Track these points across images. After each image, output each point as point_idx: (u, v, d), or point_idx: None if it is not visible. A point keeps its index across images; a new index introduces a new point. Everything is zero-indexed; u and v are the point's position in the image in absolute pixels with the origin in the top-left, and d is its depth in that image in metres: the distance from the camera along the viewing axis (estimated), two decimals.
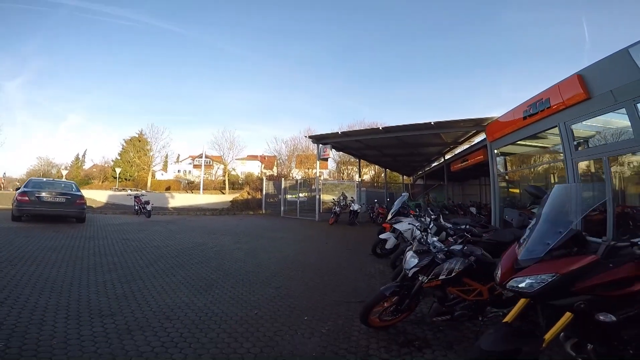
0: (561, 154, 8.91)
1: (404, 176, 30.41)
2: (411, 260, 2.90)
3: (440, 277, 2.69)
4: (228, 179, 34.62)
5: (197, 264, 5.39)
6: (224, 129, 49.27)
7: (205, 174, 42.48)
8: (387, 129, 12.96)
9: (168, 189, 36.24)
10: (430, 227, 3.77)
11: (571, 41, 69.49)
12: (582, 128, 7.49)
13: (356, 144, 16.12)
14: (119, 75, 68.20)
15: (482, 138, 14.21)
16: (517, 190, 12.04)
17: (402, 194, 6.38)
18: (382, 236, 6.30)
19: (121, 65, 68.36)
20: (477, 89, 71.35)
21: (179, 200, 24.57)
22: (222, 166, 35.53)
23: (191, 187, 38.50)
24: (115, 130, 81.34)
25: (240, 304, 3.55)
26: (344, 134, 14.31)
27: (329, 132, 15.08)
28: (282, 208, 17.72)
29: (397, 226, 6.04)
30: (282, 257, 6.16)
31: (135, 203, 15.35)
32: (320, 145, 15.68)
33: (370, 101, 71.48)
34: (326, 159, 17.10)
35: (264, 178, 22.40)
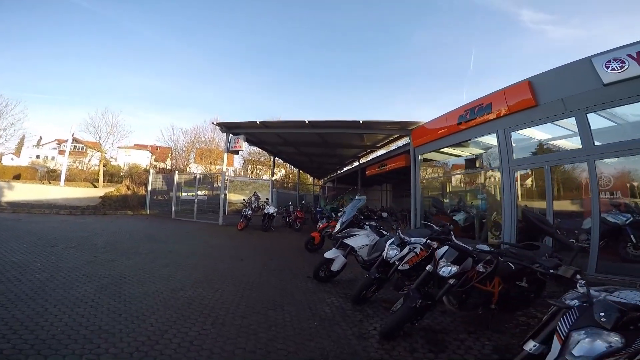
0: (493, 163, 9.00)
1: (314, 178, 29.73)
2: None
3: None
4: (106, 170, 27.61)
5: None
6: (105, 109, 40.10)
7: (75, 161, 33.38)
8: (314, 124, 11.39)
9: (18, 177, 26.73)
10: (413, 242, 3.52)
11: (458, 67, 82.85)
12: (519, 137, 7.39)
13: (274, 138, 14.10)
14: None
15: (402, 144, 14.19)
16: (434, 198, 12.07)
17: (357, 198, 4.77)
18: (328, 255, 4.51)
19: None
20: (376, 103, 77.89)
21: (22, 192, 17.59)
22: (98, 154, 28.08)
23: (52, 176, 29.42)
24: None
25: None
26: (263, 124, 12.11)
27: (244, 120, 12.62)
28: (173, 208, 14.18)
29: (349, 241, 4.34)
30: (169, 295, 3.70)
31: None
32: (231, 135, 13.05)
33: (285, 103, 70.20)
34: (237, 152, 14.45)
35: (151, 170, 17.95)
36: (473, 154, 10.48)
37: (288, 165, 35.70)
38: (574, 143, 6.68)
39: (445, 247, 2.86)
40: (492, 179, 9.96)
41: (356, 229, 4.40)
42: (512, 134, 7.23)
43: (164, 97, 65.20)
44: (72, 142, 33.19)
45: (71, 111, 59.34)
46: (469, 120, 8.22)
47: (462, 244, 2.82)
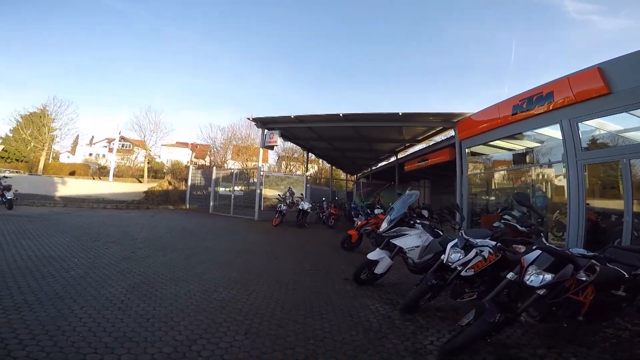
0: (553, 156, 8.01)
1: (347, 174, 29.21)
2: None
3: None
4: (150, 166, 29.25)
5: None
6: (148, 108, 42.57)
7: (123, 159, 35.83)
8: (348, 117, 10.92)
9: (72, 173, 29.33)
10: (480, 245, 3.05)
11: (497, 61, 77.45)
12: (586, 128, 6.43)
13: (308, 132, 13.83)
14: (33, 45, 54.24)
15: (444, 138, 13.28)
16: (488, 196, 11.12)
17: (408, 193, 4.25)
18: (372, 256, 4.09)
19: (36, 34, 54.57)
20: (409, 97, 75.02)
21: (73, 187, 19.07)
22: (143, 151, 29.77)
23: (103, 173, 31.82)
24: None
25: None
26: (297, 118, 11.86)
27: (279, 115, 12.48)
28: (211, 203, 14.48)
29: (398, 241, 3.87)
30: (202, 297, 3.50)
31: None
32: (266, 130, 12.98)
33: (318, 102, 70.11)
34: (272, 147, 14.38)
35: (191, 166, 18.54)
36: (527, 148, 9.46)
37: (320, 161, 35.56)
38: None
39: (537, 252, 2.37)
40: (547, 175, 8.99)
41: (406, 228, 3.92)
42: (580, 124, 6.31)
43: (203, 96, 67.93)
44: (119, 140, 35.70)
45: (120, 111, 64.06)
46: (526, 110, 7.34)
47: (558, 248, 2.32)
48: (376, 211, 8.35)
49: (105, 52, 61.30)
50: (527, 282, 2.27)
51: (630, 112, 5.66)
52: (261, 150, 13.76)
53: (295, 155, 35.02)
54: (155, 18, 63.57)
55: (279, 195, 12.32)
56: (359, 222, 6.94)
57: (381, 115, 10.70)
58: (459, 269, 3.09)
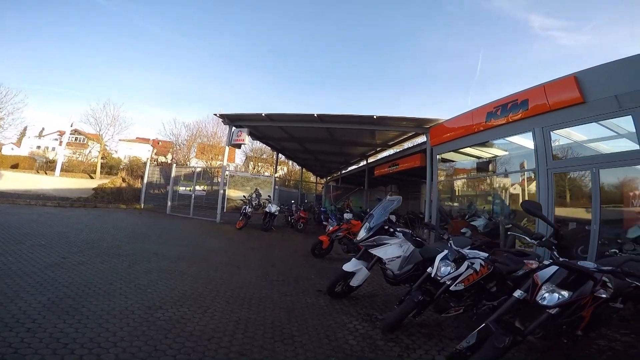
0: (527, 164, 8.12)
1: (317, 177, 28.84)
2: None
3: None
4: (106, 162, 26.83)
5: None
6: (107, 101, 39.30)
7: (75, 153, 32.61)
8: (323, 118, 10.50)
9: (15, 166, 25.99)
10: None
11: (464, 72, 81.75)
12: (555, 137, 6.54)
13: (279, 132, 13.21)
14: None
15: (415, 143, 13.32)
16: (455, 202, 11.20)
17: (389, 198, 3.82)
18: (348, 268, 3.61)
19: None
20: (379, 104, 76.86)
21: (11, 181, 16.79)
22: (98, 145, 27.22)
23: (50, 167, 28.60)
24: None
25: None
26: (269, 117, 11.21)
27: (249, 112, 11.72)
28: (169, 203, 13.30)
29: (377, 251, 3.44)
30: (142, 316, 2.84)
31: None
32: (234, 128, 12.19)
33: (289, 103, 69.25)
34: (239, 146, 13.53)
35: (148, 162, 17.04)
36: (495, 156, 9.65)
37: (290, 163, 34.90)
38: (615, 146, 5.97)
39: (553, 268, 2.08)
40: (508, 183, 9.26)
41: (386, 237, 3.50)
42: (551, 133, 6.39)
43: (170, 93, 64.27)
44: (73, 134, 32.46)
45: (76, 104, 58.46)
46: (500, 117, 7.36)
47: (576, 263, 2.01)
48: (346, 215, 7.99)
49: (65, 41, 55.85)
50: (541, 302, 1.97)
51: (600, 122, 5.80)
52: (227, 148, 12.89)
53: (264, 156, 34.04)
54: (124, 11, 59.19)
55: (244, 196, 11.54)
56: (331, 228, 6.48)
57: (356, 118, 10.40)
58: (448, 283, 2.74)
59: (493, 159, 10.17)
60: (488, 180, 10.78)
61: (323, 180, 28.12)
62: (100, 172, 25.46)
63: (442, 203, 10.49)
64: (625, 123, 5.58)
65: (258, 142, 24.16)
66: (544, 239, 2.36)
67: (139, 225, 8.74)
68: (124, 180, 20.22)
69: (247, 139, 12.33)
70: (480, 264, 2.81)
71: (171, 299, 3.29)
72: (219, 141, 29.79)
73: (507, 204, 9.38)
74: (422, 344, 2.76)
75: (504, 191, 10.20)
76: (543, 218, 2.49)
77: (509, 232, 6.43)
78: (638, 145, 5.05)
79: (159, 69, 64.10)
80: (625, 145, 5.86)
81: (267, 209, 10.58)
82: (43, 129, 46.50)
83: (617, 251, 5.76)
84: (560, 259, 2.08)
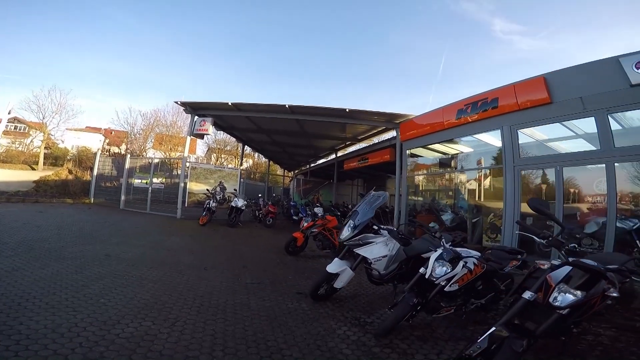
0: (493, 161, 8.43)
1: (285, 170, 28.33)
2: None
3: None
4: (50, 152, 24.05)
5: None
6: (53, 87, 35.17)
7: (15, 142, 28.88)
8: (295, 109, 10.10)
9: None
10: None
11: (427, 71, 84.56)
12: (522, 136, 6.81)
13: (246, 123, 12.56)
14: None
15: (384, 138, 13.41)
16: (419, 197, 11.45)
17: (374, 193, 3.59)
18: (331, 269, 3.37)
19: None
20: (342, 98, 77.32)
21: None
22: (41, 134, 24.25)
23: None
24: None
25: None
26: (235, 106, 10.55)
27: (214, 100, 10.96)
28: (122, 197, 12.15)
29: (363, 251, 3.23)
30: (95, 334, 2.40)
31: None
32: (197, 117, 11.35)
33: (259, 95, 66.92)
34: (202, 136, 12.68)
35: (99, 152, 15.41)
36: (462, 152, 9.98)
37: (256, 155, 33.92)
38: (573, 146, 6.37)
39: (567, 268, 2.00)
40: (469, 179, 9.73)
41: (371, 235, 3.30)
42: (519, 132, 6.64)
43: (126, 80, 58.57)
44: (12, 122, 28.62)
45: (17, 90, 51.12)
46: (470, 114, 7.52)
47: (590, 262, 1.94)
48: (316, 210, 7.78)
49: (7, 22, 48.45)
50: (553, 302, 1.91)
51: (562, 123, 6.12)
52: (189, 138, 11.99)
53: (228, 148, 32.67)
54: None
55: (207, 190, 10.84)
56: (305, 224, 6.21)
57: (328, 110, 10.13)
58: (442, 284, 2.62)
59: (455, 156, 10.57)
60: (447, 176, 11.23)
61: (291, 174, 27.68)
62: (44, 163, 22.84)
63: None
64: (584, 124, 5.95)
65: (222, 133, 23.13)
66: (551, 239, 2.29)
67: (88, 222, 7.80)
68: (70, 172, 18.28)
69: (210, 129, 11.57)
70: (474, 263, 2.74)
71: (131, 311, 2.83)
72: (179, 131, 28.03)
73: (466, 198, 9.84)
74: (418, 347, 2.62)
75: (463, 186, 10.69)
76: (551, 217, 2.48)
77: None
78: (599, 145, 5.40)
79: (114, 55, 58.37)
80: (583, 145, 6.29)
81: (233, 204, 10.04)
82: None
83: (576, 245, 6.18)
84: (571, 259, 2.02)
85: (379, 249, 3.20)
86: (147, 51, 61.20)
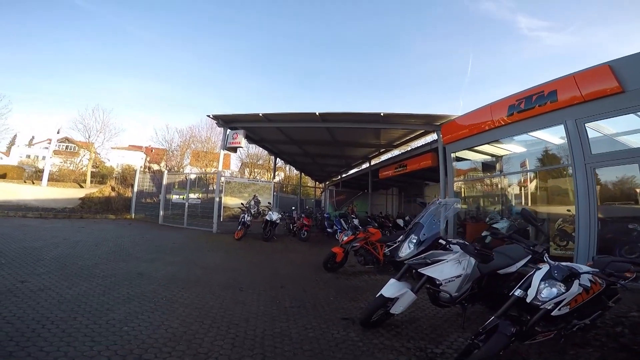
0: (560, 160, 7.44)
1: (315, 182, 28.02)
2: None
3: None
4: (98, 171, 25.80)
5: None
6: (96, 106, 38.17)
7: (66, 161, 31.49)
8: (325, 117, 9.74)
9: (3, 176, 24.83)
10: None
11: (454, 75, 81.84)
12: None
13: (277, 134, 12.41)
14: None
15: (422, 143, 12.63)
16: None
17: (442, 201, 2.99)
18: (387, 293, 2.78)
19: None
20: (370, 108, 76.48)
21: None
22: (92, 154, 26.13)
23: (39, 176, 27.37)
24: None
25: None
26: (266, 117, 10.41)
27: (245, 112, 10.92)
28: (161, 212, 12.37)
29: (431, 272, 2.64)
30: None
31: None
32: (229, 130, 11.35)
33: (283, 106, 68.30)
34: (235, 150, 12.67)
35: (138, 169, 16.01)
36: (512, 152, 9.00)
37: (287, 168, 34.06)
38: None
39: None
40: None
41: (440, 252, 2.70)
42: (586, 125, 5.72)
43: (162, 99, 62.83)
44: (62, 141, 31.23)
45: (66, 112, 56.73)
46: (524, 110, 6.68)
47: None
48: (355, 222, 7.20)
49: (54, 47, 54.22)
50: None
51: (637, 113, 5.16)
52: (222, 152, 12.01)
53: (260, 162, 33.17)
54: (113, 15, 57.95)
55: (242, 204, 10.66)
56: (346, 238, 5.64)
57: (361, 116, 9.65)
58: (549, 307, 1.98)
59: (500, 159, 9.59)
60: (492, 181, 10.23)
61: (322, 185, 27.30)
62: (92, 181, 24.39)
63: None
64: None
65: (254, 146, 23.36)
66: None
67: (126, 237, 7.82)
68: (113, 189, 19.18)
69: (243, 142, 11.48)
70: (590, 280, 2.12)
71: (156, 342, 2.44)
72: (213, 146, 28.89)
73: (521, 204, 8.82)
74: None
75: (512, 190, 9.64)
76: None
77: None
78: None
79: (151, 75, 62.89)
80: None
81: (267, 217, 9.72)
82: (33, 137, 45.09)
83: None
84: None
85: (450, 268, 2.59)
86: (180, 70, 65.04)
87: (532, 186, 9.07)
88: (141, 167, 32.78)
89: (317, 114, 9.60)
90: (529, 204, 8.75)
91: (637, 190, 5.83)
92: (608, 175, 6.09)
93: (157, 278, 4.32)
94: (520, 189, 9.55)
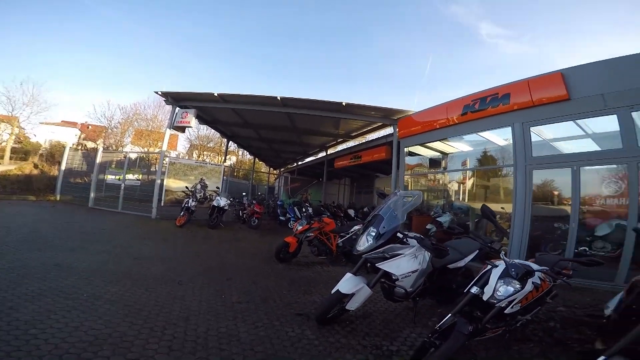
0: (496, 162, 8.00)
1: (270, 168, 27.41)
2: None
3: None
4: (21, 147, 22.31)
5: None
6: (26, 78, 32.82)
7: None
8: (286, 102, 9.34)
9: None
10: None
11: (412, 73, 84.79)
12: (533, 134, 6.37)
13: (232, 116, 11.68)
14: None
15: (378, 136, 12.86)
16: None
17: (402, 193, 2.92)
18: (344, 289, 2.65)
19: None
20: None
21: None
22: (14, 128, 22.42)
23: None
24: None
25: None
26: (222, 97, 9.66)
27: (198, 91, 10.02)
28: (92, 194, 10.98)
29: (389, 267, 2.56)
30: None
31: None
32: (178, 109, 10.40)
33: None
34: (183, 130, 11.63)
35: (67, 145, 14.00)
36: (460, 150, 9.58)
37: (240, 152, 32.79)
38: (583, 145, 6.07)
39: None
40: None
41: (398, 246, 2.62)
42: (531, 129, 6.19)
43: (105, 74, 55.13)
44: None
45: None
46: (478, 110, 7.03)
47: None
48: (309, 210, 7.07)
49: None
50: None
51: (576, 121, 5.72)
52: (168, 131, 10.97)
53: (211, 145, 31.42)
54: None
55: (186, 187, 9.89)
56: (300, 227, 5.45)
57: (323, 103, 9.41)
58: (503, 305, 2.01)
59: (446, 156, 10.20)
60: (436, 176, 10.86)
61: (276, 172, 26.78)
62: (13, 157, 21.04)
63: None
64: (599, 124, 5.58)
65: (205, 127, 21.90)
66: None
67: (46, 222, 6.76)
68: (36, 166, 16.77)
69: (193, 122, 10.59)
70: (540, 278, 2.26)
71: (72, 347, 2.02)
72: (160, 125, 26.63)
73: (459, 199, 9.47)
74: None
75: (452, 187, 10.33)
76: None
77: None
78: (621, 145, 5.00)
79: (94, 48, 55.01)
80: (593, 145, 5.96)
81: (214, 203, 9.15)
82: None
83: (587, 249, 5.81)
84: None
85: (407, 263, 2.53)
86: (130, 45, 58.29)
87: (469, 184, 9.76)
88: (74, 144, 29.07)
89: (278, 98, 9.17)
90: (466, 200, 9.42)
91: (555, 192, 6.53)
92: (538, 177, 6.72)
93: (78, 270, 3.70)
94: (459, 186, 10.24)
